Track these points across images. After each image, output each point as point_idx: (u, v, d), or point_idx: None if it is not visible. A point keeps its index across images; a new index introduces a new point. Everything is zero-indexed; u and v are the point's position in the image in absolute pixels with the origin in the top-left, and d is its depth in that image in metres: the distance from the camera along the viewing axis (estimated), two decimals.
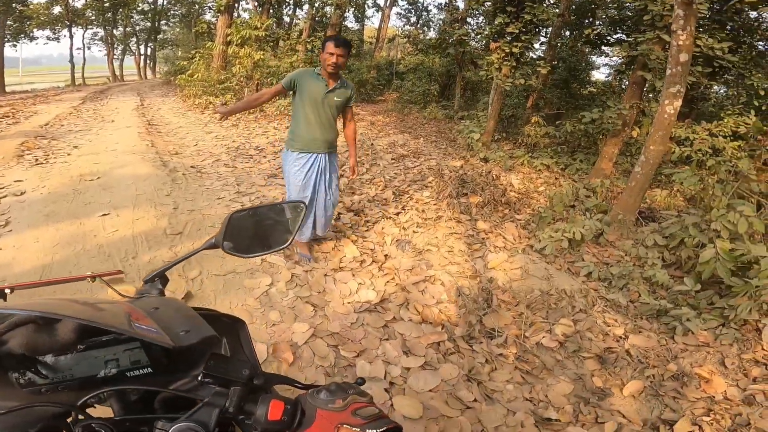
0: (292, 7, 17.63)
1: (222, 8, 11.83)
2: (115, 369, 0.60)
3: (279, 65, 10.44)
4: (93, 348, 0.59)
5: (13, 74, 24.34)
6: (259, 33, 10.15)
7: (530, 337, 2.39)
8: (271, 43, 12.22)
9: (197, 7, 21.90)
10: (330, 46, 2.54)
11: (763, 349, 2.31)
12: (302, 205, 0.95)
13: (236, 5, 12.65)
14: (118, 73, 29.16)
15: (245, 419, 0.55)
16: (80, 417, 0.55)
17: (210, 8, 18.29)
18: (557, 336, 2.40)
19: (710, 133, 5.15)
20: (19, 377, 0.58)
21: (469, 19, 12.37)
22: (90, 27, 25.77)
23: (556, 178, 5.71)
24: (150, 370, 0.61)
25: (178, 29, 28.82)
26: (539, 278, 2.86)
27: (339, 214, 3.65)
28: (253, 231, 0.89)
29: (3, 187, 4.05)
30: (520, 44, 6.51)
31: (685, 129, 5.29)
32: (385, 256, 3.10)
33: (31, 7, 18.96)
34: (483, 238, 3.43)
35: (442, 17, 18.62)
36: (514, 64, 6.74)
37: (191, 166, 5.12)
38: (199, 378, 0.56)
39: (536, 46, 8.14)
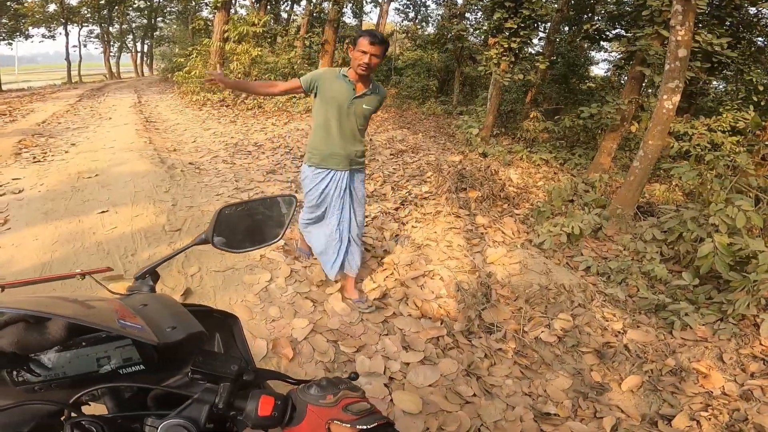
0: (289, 3, 17.56)
1: (219, 5, 11.76)
2: (107, 366, 0.59)
3: (277, 61, 10.42)
4: (85, 346, 0.59)
5: (8, 72, 24.22)
6: (257, 29, 10.12)
7: (529, 332, 2.40)
8: (269, 40, 12.17)
9: (194, 3, 21.80)
10: (364, 43, 2.07)
11: (761, 344, 2.32)
12: (294, 198, 0.94)
13: (233, 1, 12.59)
14: (114, 70, 29.00)
15: (236, 415, 0.55)
16: (73, 414, 0.55)
17: (207, 5, 18.21)
18: (556, 331, 2.41)
19: (709, 128, 5.16)
20: (12, 375, 0.58)
21: (467, 15, 12.33)
22: (86, 24, 25.59)
23: (554, 173, 5.72)
24: (142, 367, 0.61)
25: (174, 26, 28.71)
26: (538, 273, 2.87)
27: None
28: (245, 225, 0.88)
29: (1, 186, 4.04)
30: (518, 39, 6.50)
31: (684, 124, 5.30)
32: (384, 251, 3.10)
33: (25, 5, 18.82)
34: (482, 233, 3.43)
35: (440, 13, 18.57)
36: (513, 59, 6.73)
37: (189, 163, 5.10)
38: (189, 375, 0.56)
39: (535, 41, 8.12)
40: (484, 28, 7.84)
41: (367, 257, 2.98)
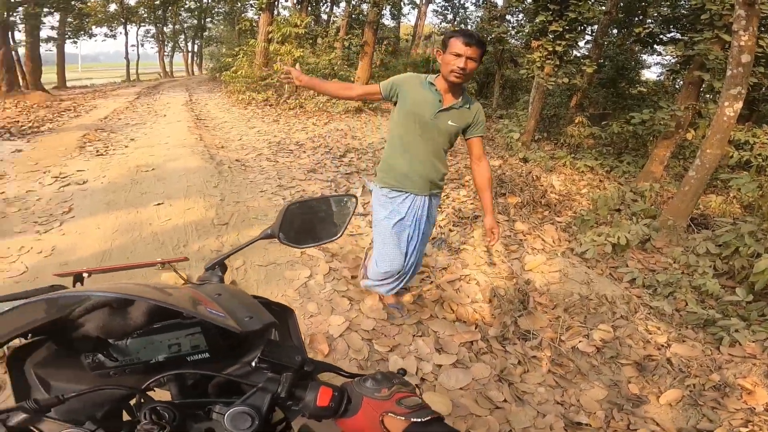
0: (329, 4, 17.88)
1: (263, 6, 12.14)
2: (176, 353, 0.61)
3: (318, 62, 10.63)
4: (159, 332, 0.61)
5: (72, 70, 26.14)
6: (299, 30, 10.33)
7: (566, 341, 2.36)
8: (310, 41, 12.44)
9: (239, 4, 22.63)
10: (457, 44, 1.72)
11: None
12: (354, 198, 0.96)
13: (276, 3, 12.98)
14: (168, 69, 30.69)
15: (293, 404, 0.57)
16: (142, 400, 0.57)
17: (252, 6, 18.86)
18: (595, 341, 2.35)
19: None
20: (90, 360, 0.60)
21: (508, 17, 12.07)
22: (143, 24, 27.26)
23: (600, 181, 5.52)
24: (207, 355, 0.63)
25: (222, 27, 29.90)
26: (579, 282, 2.80)
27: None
28: (308, 222, 0.90)
29: (66, 176, 4.41)
30: (563, 43, 6.32)
31: (745, 132, 4.97)
32: None
33: (88, 4, 20.20)
34: (521, 240, 3.38)
35: (479, 15, 18.31)
36: (557, 62, 6.55)
37: (236, 160, 5.34)
38: (254, 363, 0.57)
39: (581, 44, 7.87)
40: (526, 30, 7.67)
41: None
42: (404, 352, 2.22)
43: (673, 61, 6.56)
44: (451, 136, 1.97)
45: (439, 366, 2.12)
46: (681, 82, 7.29)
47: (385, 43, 15.07)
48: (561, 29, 6.20)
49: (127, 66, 24.54)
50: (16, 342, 0.59)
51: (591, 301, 2.66)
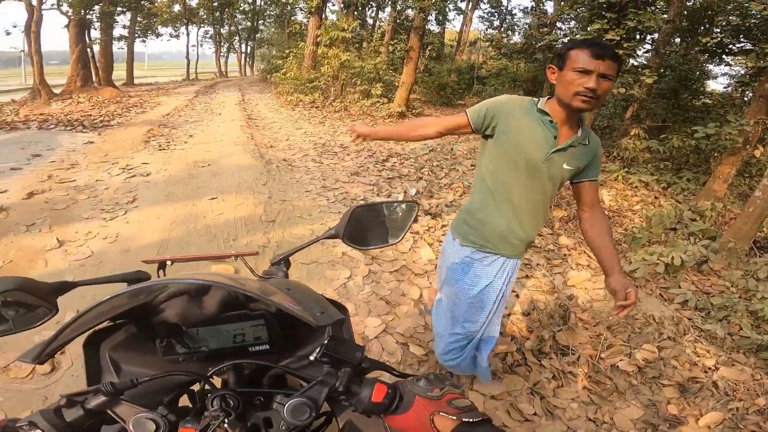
0: (374, 9, 18.10)
1: (312, 9, 12.52)
2: (240, 343, 0.64)
3: (363, 66, 10.79)
4: (226, 322, 0.63)
5: (139, 68, 28.06)
6: (346, 34, 10.51)
7: (606, 359, 2.29)
8: (356, 45, 12.64)
9: (289, 8, 23.40)
10: (583, 58, 1.26)
11: None
12: (416, 205, 0.97)
13: (325, 7, 13.32)
14: (223, 69, 32.32)
15: (344, 399, 0.58)
16: (206, 387, 0.59)
17: (301, 9, 19.48)
18: (636, 360, 2.27)
19: None
20: (163, 346, 0.62)
21: (558, 23, 11.71)
22: (202, 25, 28.93)
23: (655, 197, 5.25)
24: (267, 347, 0.65)
25: (273, 29, 31.11)
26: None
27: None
28: (370, 225, 0.92)
29: (132, 168, 4.78)
30: (621, 52, 6.06)
31: None
32: None
33: (156, 4, 21.70)
34: (565, 254, 3.30)
35: (527, 21, 17.89)
36: None
37: (283, 159, 5.56)
38: (312, 357, 0.58)
39: (639, 52, 7.50)
40: (579, 38, 7.41)
41: None
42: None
43: (742, 72, 6.11)
44: (563, 182, 1.48)
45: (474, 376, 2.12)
46: (751, 95, 6.78)
47: (429, 48, 15.06)
48: (618, 38, 5.96)
49: (188, 65, 26.15)
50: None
51: (637, 321, 2.56)
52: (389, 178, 4.91)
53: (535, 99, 1.43)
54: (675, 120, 8.30)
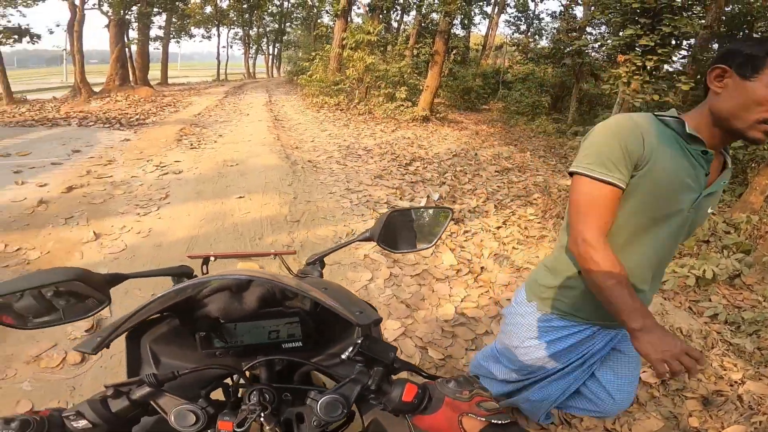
0: (399, 12, 18.17)
1: (338, 13, 12.69)
2: (274, 340, 0.65)
3: (387, 69, 10.86)
4: (263, 318, 0.64)
5: (172, 68, 29.08)
6: (372, 38, 10.61)
7: None
8: (381, 48, 12.73)
9: (315, 11, 23.74)
10: None
11: None
12: (450, 211, 0.98)
13: (350, 10, 13.48)
14: (251, 70, 33.09)
15: (373, 398, 0.59)
16: (241, 381, 0.60)
17: (327, 12, 19.77)
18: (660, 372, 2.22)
19: None
20: (202, 339, 0.63)
21: (588, 28, 11.49)
22: (232, 27, 29.73)
23: None
24: (299, 344, 0.66)
25: (299, 31, 31.69)
26: (652, 312, 2.66)
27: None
28: (404, 229, 0.93)
29: (165, 166, 4.97)
30: (655, 58, 5.91)
31: None
32: (482, 268, 3.12)
33: (189, 5, 22.45)
34: None
35: (555, 26, 17.60)
36: (646, 78, 6.14)
37: (308, 161, 5.67)
38: (345, 355, 0.59)
39: (674, 58, 7.29)
40: (610, 44, 7.25)
41: (464, 271, 3.04)
42: (458, 365, 2.25)
43: None
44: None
45: None
46: None
47: (454, 52, 15.02)
48: (652, 44, 5.81)
49: (218, 66, 26.91)
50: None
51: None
52: (412, 182, 4.94)
53: (665, 115, 1.01)
54: None
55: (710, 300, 2.93)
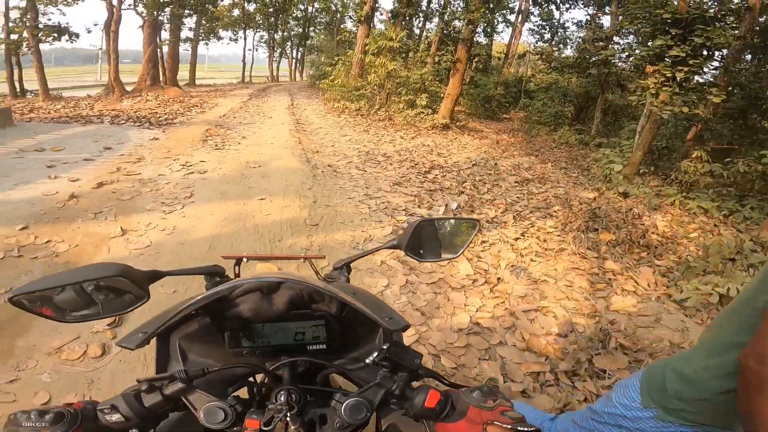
0: (422, 19, 18.22)
1: (362, 19, 12.81)
2: (299, 341, 0.66)
3: (409, 76, 10.89)
4: (290, 320, 0.66)
5: (200, 69, 29.88)
6: (394, 44, 10.66)
7: None
8: (403, 55, 12.77)
9: (339, 16, 24.01)
10: None
11: None
12: (477, 223, 1.00)
13: (373, 16, 13.61)
14: (275, 74, 33.73)
15: (394, 403, 0.59)
16: (266, 380, 0.61)
17: (350, 18, 20.00)
18: None
19: None
20: (230, 339, 0.65)
21: (615, 38, 11.29)
22: (258, 30, 30.40)
23: (715, 225, 4.93)
24: (324, 346, 0.67)
25: (323, 36, 32.17)
26: (672, 329, 2.58)
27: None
28: (431, 239, 0.93)
29: (191, 165, 5.11)
30: (686, 69, 5.76)
31: None
32: (498, 279, 3.10)
33: (218, 8, 23.06)
34: (610, 279, 3.19)
35: (581, 35, 17.34)
36: (676, 89, 5.98)
37: (328, 165, 5.74)
38: (371, 360, 0.60)
39: (705, 69, 7.08)
40: (639, 54, 7.10)
41: (480, 281, 3.03)
42: (471, 374, 2.24)
43: None
44: None
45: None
46: None
47: (476, 60, 14.97)
48: (683, 54, 5.66)
49: (243, 68, 27.53)
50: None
51: (683, 350, 2.43)
52: (431, 190, 4.94)
53: None
54: (741, 143, 7.73)
55: None
